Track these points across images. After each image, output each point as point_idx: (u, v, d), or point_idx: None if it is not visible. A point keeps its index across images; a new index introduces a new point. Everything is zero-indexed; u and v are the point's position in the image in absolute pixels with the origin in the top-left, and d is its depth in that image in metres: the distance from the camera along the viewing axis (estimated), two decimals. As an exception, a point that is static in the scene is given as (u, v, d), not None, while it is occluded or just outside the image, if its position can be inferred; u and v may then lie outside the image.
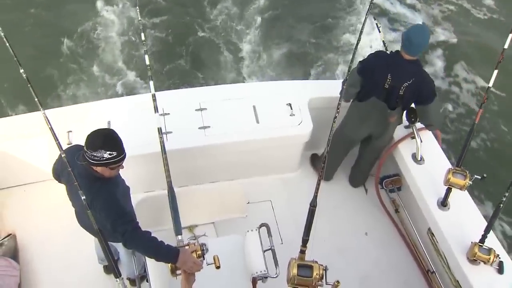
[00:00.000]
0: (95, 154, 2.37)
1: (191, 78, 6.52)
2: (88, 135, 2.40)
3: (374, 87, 3.43)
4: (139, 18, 3.41)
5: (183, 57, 6.78)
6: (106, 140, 2.41)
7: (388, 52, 3.65)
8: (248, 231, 3.10)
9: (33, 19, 6.87)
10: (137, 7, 3.40)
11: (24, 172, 3.86)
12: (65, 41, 6.72)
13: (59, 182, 2.81)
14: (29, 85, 2.31)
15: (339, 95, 2.84)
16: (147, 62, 3.08)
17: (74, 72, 6.47)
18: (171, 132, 3.56)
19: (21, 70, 2.30)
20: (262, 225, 3.16)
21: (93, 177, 2.48)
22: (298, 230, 2.58)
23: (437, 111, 3.54)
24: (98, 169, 2.47)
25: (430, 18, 7.64)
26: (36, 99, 2.32)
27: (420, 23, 7.40)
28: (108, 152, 2.38)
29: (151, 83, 3.01)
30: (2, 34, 2.27)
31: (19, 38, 6.22)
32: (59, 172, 2.75)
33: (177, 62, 6.71)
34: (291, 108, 3.82)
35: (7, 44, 2.28)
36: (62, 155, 2.27)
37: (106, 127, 3.54)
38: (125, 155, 2.48)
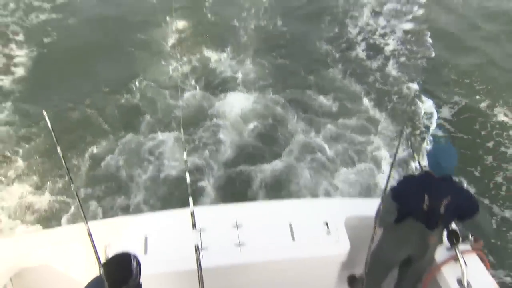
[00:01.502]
0: None
1: (227, 194, 6.67)
2: (106, 276, 2.50)
3: (412, 210, 3.39)
4: (182, 136, 3.64)
5: (220, 173, 7.01)
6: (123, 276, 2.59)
7: (415, 174, 3.67)
8: None
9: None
10: (181, 129, 3.66)
11: (60, 286, 3.86)
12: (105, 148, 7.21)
13: None
14: (76, 197, 2.48)
15: (375, 217, 2.82)
16: (188, 181, 3.21)
17: (113, 183, 6.76)
18: (206, 249, 3.57)
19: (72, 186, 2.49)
20: None
21: None
22: None
23: (486, 219, 3.45)
24: None
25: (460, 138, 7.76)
26: (82, 214, 2.45)
27: (448, 143, 7.55)
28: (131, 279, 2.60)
29: (190, 199, 3.10)
30: (50, 125, 2.48)
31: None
32: None
33: (214, 178, 6.93)
34: (328, 227, 3.79)
35: (54, 139, 2.49)
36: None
37: (142, 244, 3.60)
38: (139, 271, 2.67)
